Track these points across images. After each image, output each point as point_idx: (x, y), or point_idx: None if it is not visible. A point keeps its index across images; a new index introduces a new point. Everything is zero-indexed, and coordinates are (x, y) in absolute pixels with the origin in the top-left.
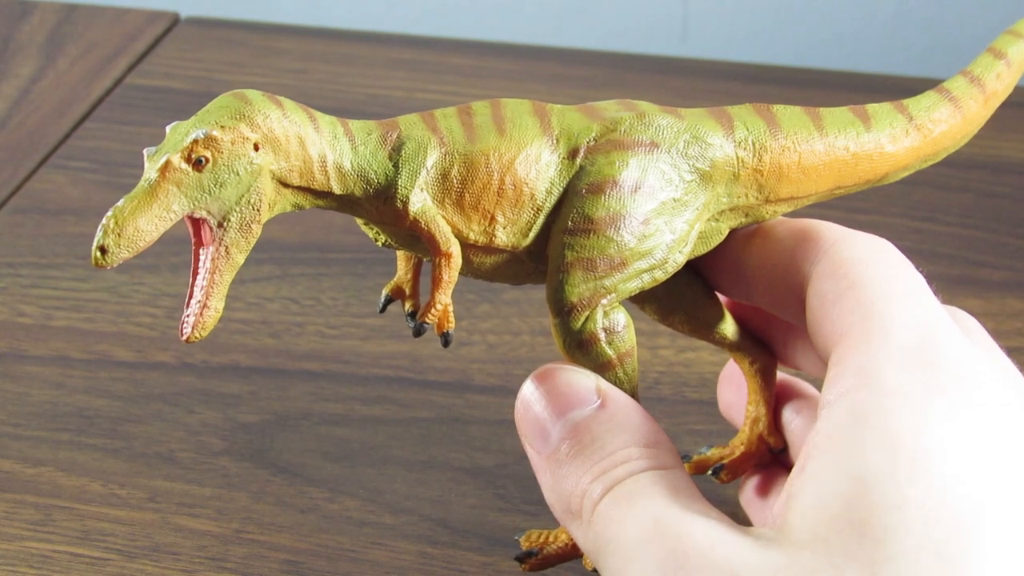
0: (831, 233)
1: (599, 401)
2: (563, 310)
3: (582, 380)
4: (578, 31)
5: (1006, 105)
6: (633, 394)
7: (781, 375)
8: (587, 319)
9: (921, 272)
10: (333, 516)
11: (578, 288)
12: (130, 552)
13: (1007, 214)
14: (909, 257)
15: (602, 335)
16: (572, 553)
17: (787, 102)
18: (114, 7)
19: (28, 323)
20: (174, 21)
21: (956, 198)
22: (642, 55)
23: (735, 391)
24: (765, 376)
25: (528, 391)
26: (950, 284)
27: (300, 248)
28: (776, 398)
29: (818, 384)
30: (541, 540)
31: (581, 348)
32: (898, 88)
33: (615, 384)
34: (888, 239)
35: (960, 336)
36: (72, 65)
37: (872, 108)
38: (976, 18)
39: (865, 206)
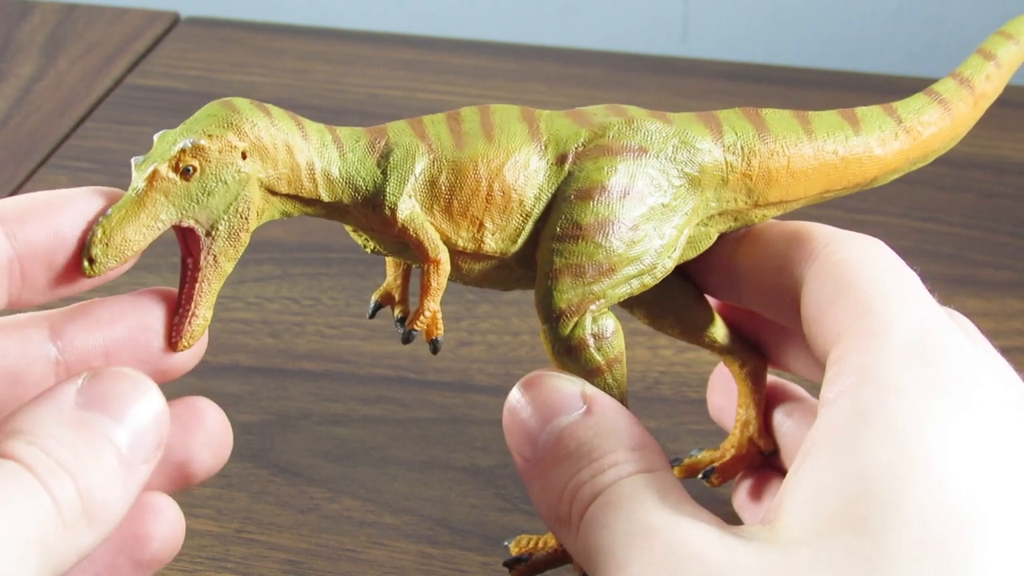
0: (823, 235)
1: (585, 407)
2: (552, 316)
3: (567, 387)
4: (578, 31)
5: (1007, 105)
6: (622, 399)
7: (772, 378)
8: (576, 325)
9: (919, 271)
10: (333, 516)
11: (566, 294)
12: None
13: (1007, 214)
14: (910, 257)
15: (591, 341)
16: (561, 559)
17: (787, 102)
18: (114, 7)
19: None
20: (174, 21)
21: (956, 198)
22: (642, 55)
23: (725, 395)
24: (755, 379)
25: (514, 399)
26: (950, 284)
27: (300, 248)
28: (767, 401)
29: (808, 386)
30: (531, 546)
31: (570, 354)
32: (898, 88)
33: (604, 390)
34: (888, 239)
35: (960, 335)
36: (72, 65)
37: (861, 111)
38: (975, 18)
39: (865, 206)
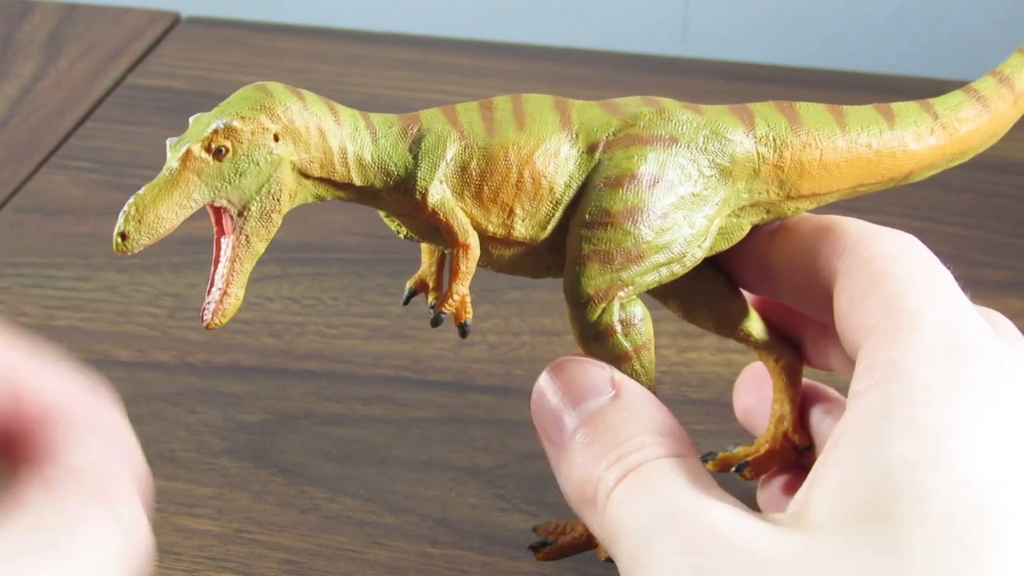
0: (856, 229)
1: (613, 391)
2: (579, 302)
3: (596, 371)
4: (578, 31)
5: None
6: (650, 386)
7: (808, 380)
8: (603, 311)
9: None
10: (334, 516)
11: (595, 280)
12: None
13: (1008, 214)
14: None
15: (618, 327)
16: (586, 544)
17: (788, 102)
18: (115, 7)
19: (29, 323)
20: (175, 21)
21: (957, 198)
22: (642, 55)
23: (753, 394)
24: (790, 374)
25: (543, 382)
26: None
27: (301, 248)
28: (803, 399)
29: (844, 386)
30: (557, 531)
31: (597, 340)
32: (898, 87)
33: (631, 376)
34: None
35: (989, 332)
36: (73, 65)
37: (897, 106)
38: (976, 18)
39: (866, 206)
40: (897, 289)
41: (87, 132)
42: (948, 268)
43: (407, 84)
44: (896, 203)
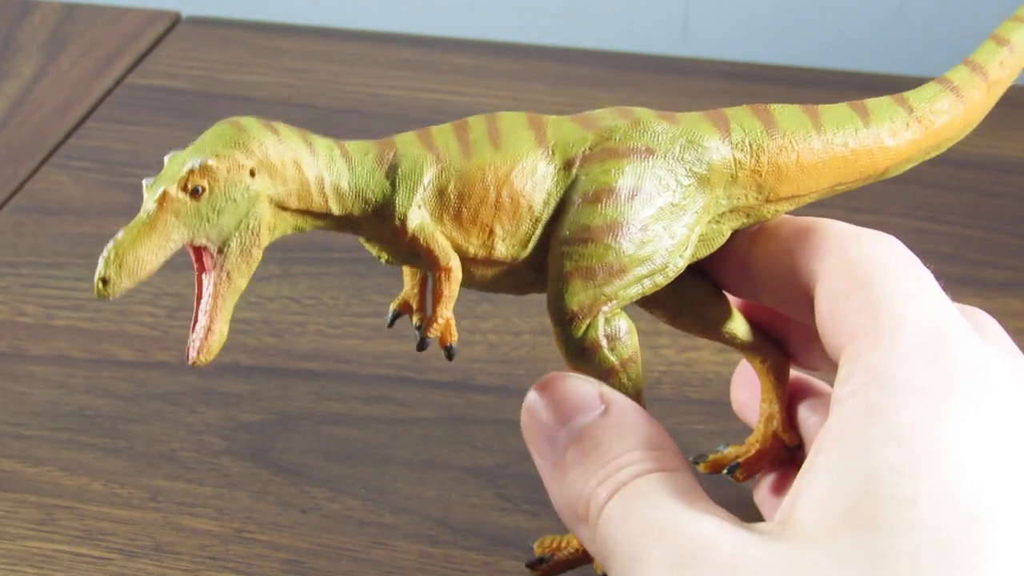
0: (837, 231)
1: (603, 407)
2: (564, 319)
3: (585, 387)
4: (578, 31)
5: (1006, 104)
6: (637, 399)
7: (796, 374)
8: (588, 327)
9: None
10: (334, 516)
11: (578, 296)
12: (131, 552)
13: (1008, 213)
14: None
15: (604, 342)
16: (582, 559)
17: (787, 102)
18: (115, 6)
19: (29, 322)
20: (175, 20)
21: (957, 198)
22: (643, 55)
23: (748, 390)
24: (777, 374)
25: (532, 400)
26: (951, 284)
27: (301, 247)
28: (791, 396)
29: (832, 383)
30: (553, 546)
31: (583, 356)
32: (899, 87)
33: (619, 390)
34: None
35: (972, 334)
36: (73, 64)
37: (871, 103)
38: (976, 16)
39: (865, 206)
40: (878, 291)
41: (87, 132)
42: (948, 268)
43: (407, 84)
44: (896, 203)
